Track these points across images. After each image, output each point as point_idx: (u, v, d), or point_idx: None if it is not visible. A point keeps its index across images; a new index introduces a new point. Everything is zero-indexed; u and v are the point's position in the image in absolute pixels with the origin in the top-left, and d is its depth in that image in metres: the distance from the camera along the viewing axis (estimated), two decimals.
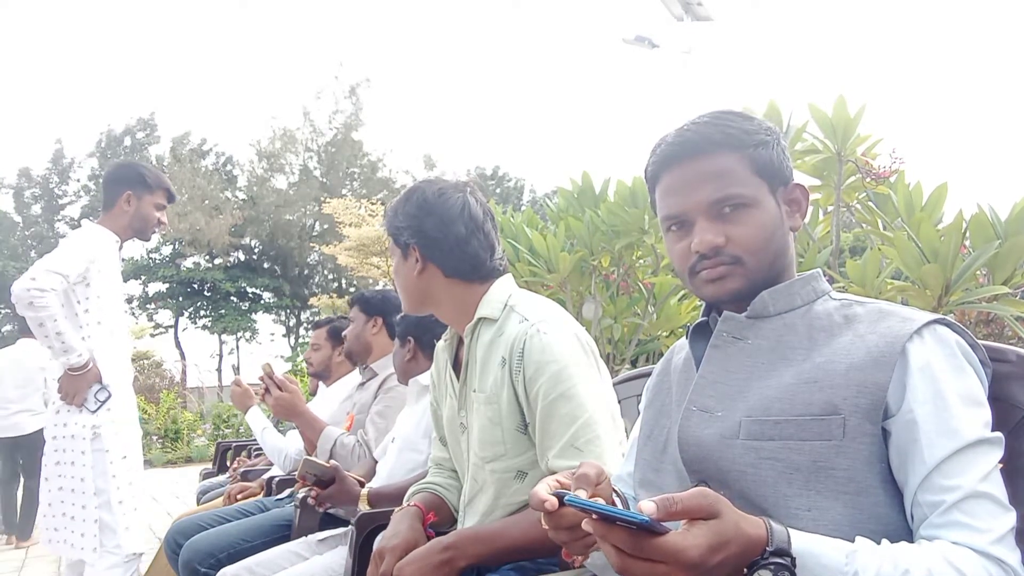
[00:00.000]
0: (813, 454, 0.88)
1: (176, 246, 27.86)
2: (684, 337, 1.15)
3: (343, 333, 2.90)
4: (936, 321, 0.92)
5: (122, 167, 2.92)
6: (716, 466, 0.95)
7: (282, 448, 3.05)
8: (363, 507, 1.87)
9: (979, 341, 0.95)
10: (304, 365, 3.33)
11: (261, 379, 2.54)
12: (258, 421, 3.11)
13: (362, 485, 2.00)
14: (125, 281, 3.05)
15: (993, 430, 0.87)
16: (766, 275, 1.02)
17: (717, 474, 0.95)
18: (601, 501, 0.78)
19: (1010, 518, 0.84)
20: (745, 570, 0.74)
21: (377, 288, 2.87)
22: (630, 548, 0.71)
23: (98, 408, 2.64)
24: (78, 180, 28.02)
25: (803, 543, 0.76)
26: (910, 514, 0.88)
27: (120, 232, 2.78)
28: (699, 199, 1.00)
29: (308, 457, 2.06)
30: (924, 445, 0.86)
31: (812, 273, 1.05)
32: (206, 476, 4.53)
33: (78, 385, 2.61)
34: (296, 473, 1.99)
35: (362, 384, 2.82)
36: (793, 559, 0.75)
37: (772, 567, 0.73)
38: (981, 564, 0.80)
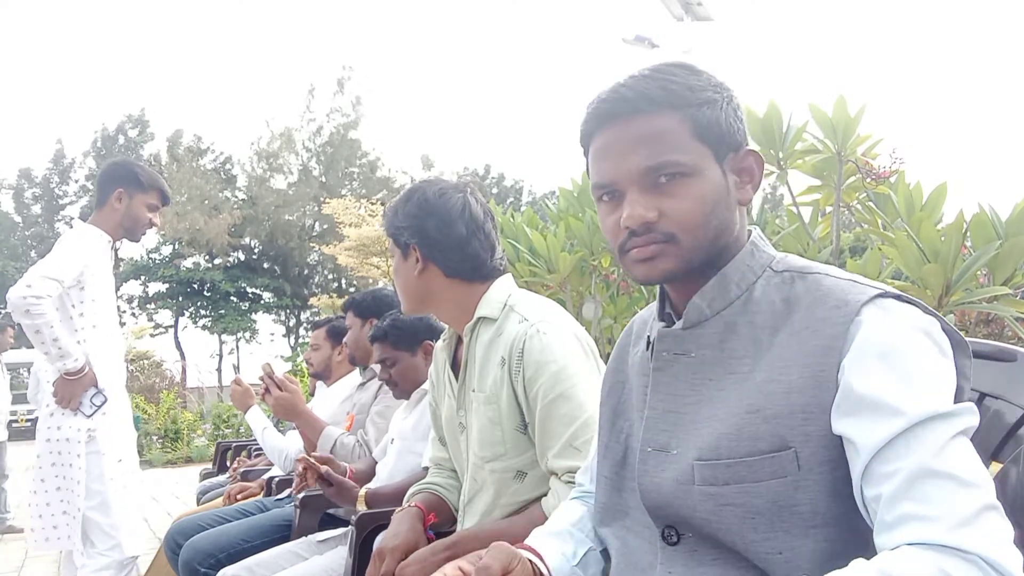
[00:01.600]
0: (771, 495, 0.81)
1: (176, 246, 27.86)
2: (641, 326, 1.04)
3: (344, 340, 2.88)
4: (878, 296, 0.82)
5: (117, 165, 2.90)
6: (678, 513, 0.88)
7: (282, 448, 3.05)
8: (361, 508, 1.87)
9: (972, 340, 0.89)
10: (304, 365, 3.32)
11: (261, 379, 2.54)
12: (258, 421, 3.11)
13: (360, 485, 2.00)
14: (125, 281, 3.06)
15: (993, 430, 0.85)
16: (705, 254, 0.89)
17: (681, 521, 0.88)
18: None
19: (977, 495, 0.69)
20: None
21: (368, 290, 2.85)
22: None
23: (94, 412, 2.64)
24: (77, 180, 28.06)
25: None
26: (872, 522, 0.75)
27: (112, 231, 2.76)
28: (631, 166, 0.88)
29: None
30: (859, 435, 0.75)
31: (746, 248, 0.92)
32: (206, 476, 4.53)
33: (74, 389, 2.60)
34: (295, 473, 1.99)
35: (362, 384, 2.82)
36: None
37: None
38: (933, 566, 0.65)
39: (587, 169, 0.96)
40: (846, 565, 0.70)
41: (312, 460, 1.95)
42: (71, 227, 2.82)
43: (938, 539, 0.66)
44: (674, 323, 0.94)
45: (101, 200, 2.79)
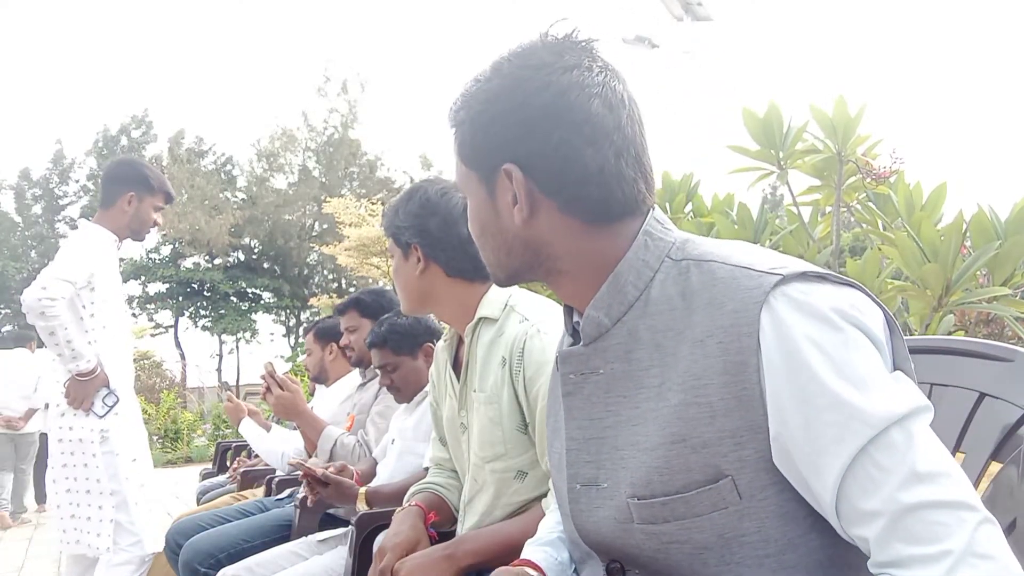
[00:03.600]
0: (715, 528, 0.75)
1: (176, 246, 27.86)
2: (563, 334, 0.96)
3: (342, 342, 2.87)
4: (778, 285, 0.73)
5: (124, 165, 2.90)
6: (622, 551, 0.83)
7: (278, 449, 3.06)
8: (361, 507, 1.87)
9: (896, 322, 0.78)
10: (304, 366, 3.32)
11: (263, 377, 2.54)
12: (251, 431, 3.16)
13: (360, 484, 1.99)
14: (125, 281, 3.05)
15: (993, 430, 0.83)
16: (507, 274, 0.91)
17: (627, 558, 0.83)
18: None
19: (960, 515, 0.64)
20: None
21: (371, 289, 2.84)
22: None
23: (106, 413, 2.64)
24: (78, 181, 28.05)
25: None
26: (863, 549, 0.70)
27: (118, 231, 2.77)
28: None
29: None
30: (812, 475, 0.70)
31: (638, 243, 0.83)
32: (206, 476, 4.53)
33: (86, 390, 2.61)
34: (299, 474, 1.99)
35: (362, 384, 2.82)
36: None
37: None
38: None
39: None
40: None
41: (305, 465, 1.95)
42: (73, 227, 2.86)
43: None
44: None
45: (108, 200, 2.78)
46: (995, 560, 0.63)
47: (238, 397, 3.71)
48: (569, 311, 0.92)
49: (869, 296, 0.76)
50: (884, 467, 0.66)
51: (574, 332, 0.90)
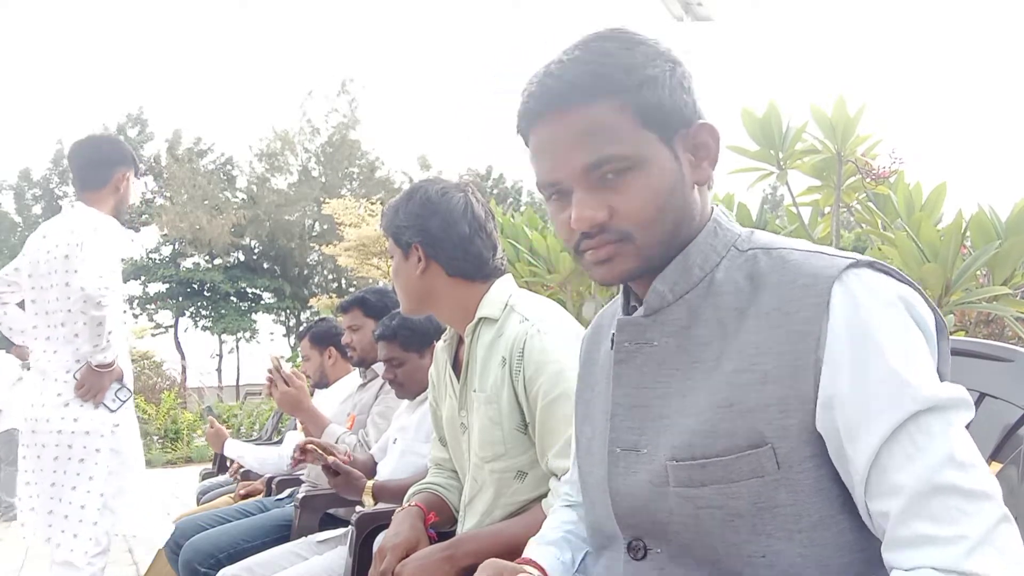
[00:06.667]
0: (751, 495, 0.75)
1: (176, 246, 27.88)
2: (610, 320, 0.97)
3: (344, 341, 2.87)
4: (850, 267, 0.76)
5: (113, 143, 2.82)
6: (652, 519, 0.82)
7: (271, 452, 3.07)
8: (367, 500, 1.87)
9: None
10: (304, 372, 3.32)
11: (269, 371, 2.54)
12: (237, 449, 3.18)
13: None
14: (125, 281, 3.00)
15: (993, 430, 0.84)
16: (666, 248, 0.83)
17: (654, 528, 0.82)
18: None
19: (986, 508, 0.66)
20: None
21: (375, 288, 2.83)
22: None
23: (119, 407, 2.57)
24: None
25: None
26: (878, 532, 0.73)
27: (113, 214, 2.68)
28: (573, 164, 0.81)
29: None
30: (851, 441, 0.71)
31: (708, 227, 0.85)
32: (206, 476, 4.53)
33: (103, 382, 2.52)
34: (300, 475, 1.99)
35: (363, 385, 2.82)
36: None
37: None
38: None
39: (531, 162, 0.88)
40: (827, 571, 0.69)
41: (317, 445, 1.95)
42: (56, 209, 2.74)
43: (955, 565, 0.65)
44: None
45: (100, 181, 2.67)
46: (1008, 555, 0.65)
47: (238, 397, 3.73)
48: (627, 286, 0.92)
49: (924, 298, 0.78)
50: (921, 445, 0.69)
51: (632, 309, 0.91)
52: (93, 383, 2.51)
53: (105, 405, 2.55)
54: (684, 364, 0.82)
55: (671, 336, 0.84)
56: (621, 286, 0.92)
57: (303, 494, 2.44)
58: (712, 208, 0.88)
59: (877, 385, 0.71)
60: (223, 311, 28.40)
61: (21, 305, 2.77)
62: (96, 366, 2.50)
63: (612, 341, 0.90)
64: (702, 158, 0.85)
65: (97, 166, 2.69)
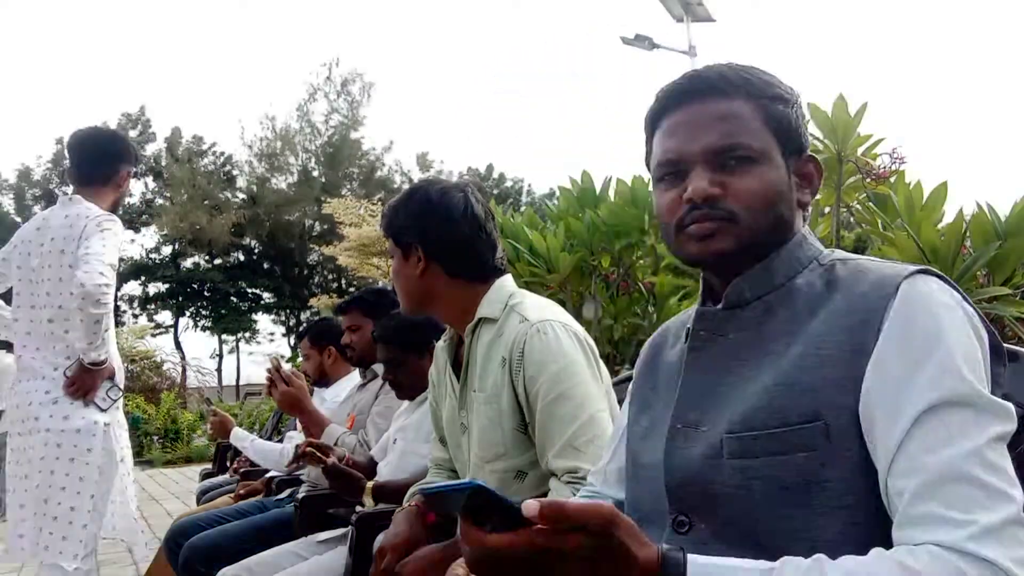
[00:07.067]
0: (799, 469, 0.78)
1: (176, 246, 27.89)
2: (679, 328, 1.03)
3: (344, 342, 2.87)
4: (918, 272, 0.81)
5: (118, 140, 2.76)
6: (703, 491, 0.85)
7: (274, 449, 3.06)
8: (367, 500, 1.87)
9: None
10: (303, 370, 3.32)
11: (269, 370, 2.54)
12: (242, 438, 3.16)
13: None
14: (125, 281, 2.98)
15: None
16: (762, 241, 0.89)
17: (702, 501, 0.85)
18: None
19: (1005, 508, 0.68)
20: None
21: (375, 288, 2.82)
22: (492, 553, 0.66)
23: (110, 406, 2.51)
24: None
25: (701, 571, 0.68)
26: (892, 513, 0.75)
27: (110, 209, 2.61)
28: (702, 143, 0.88)
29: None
30: (884, 417, 0.74)
31: (795, 239, 0.91)
32: (206, 476, 4.53)
33: (95, 380, 2.45)
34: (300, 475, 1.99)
35: (363, 385, 2.82)
36: None
37: None
38: (952, 566, 0.66)
39: (646, 155, 0.97)
40: (866, 549, 0.70)
41: (316, 447, 1.95)
42: (70, 200, 2.55)
43: (958, 545, 0.66)
44: None
45: (104, 177, 2.61)
46: (1013, 551, 0.66)
47: (238, 397, 3.73)
48: (706, 288, 0.97)
49: (984, 321, 0.82)
50: (953, 433, 0.71)
51: (707, 299, 0.97)
52: (85, 381, 2.44)
53: (96, 404, 2.47)
54: (754, 356, 0.87)
55: (745, 330, 0.89)
56: (701, 284, 0.98)
57: (303, 494, 2.44)
58: (802, 234, 0.94)
59: (925, 363, 0.74)
60: (223, 311, 28.40)
61: (7, 299, 2.67)
62: (89, 364, 2.41)
63: (686, 334, 0.97)
64: (805, 186, 0.94)
65: (101, 162, 2.63)
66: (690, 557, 0.69)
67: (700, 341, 0.93)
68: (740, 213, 0.87)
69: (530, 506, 0.63)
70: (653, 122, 0.96)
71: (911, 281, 0.80)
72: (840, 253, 0.91)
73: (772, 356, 0.85)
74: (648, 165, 0.97)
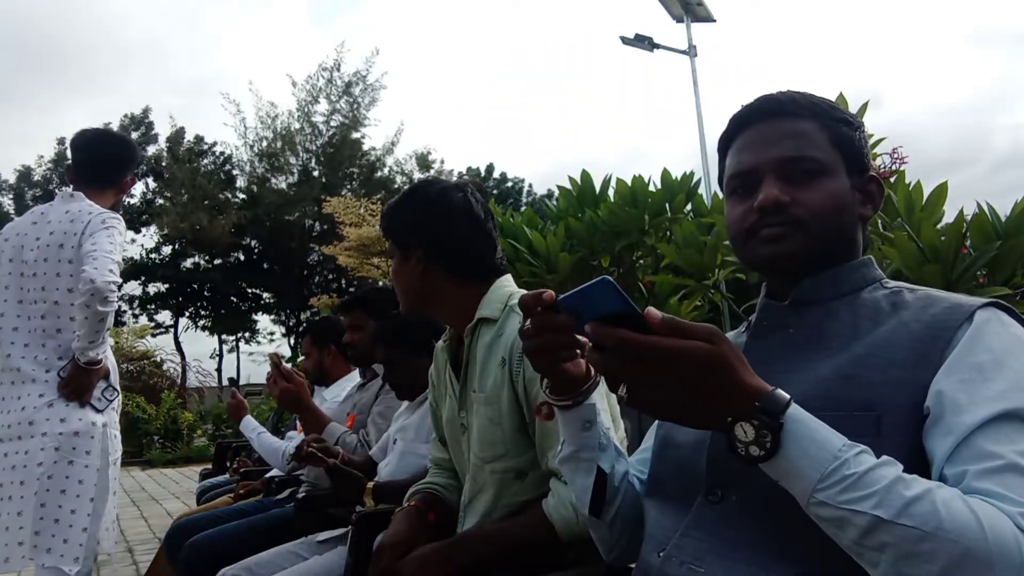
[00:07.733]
0: None
1: (176, 246, 27.88)
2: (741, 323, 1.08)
3: (346, 341, 2.87)
4: (990, 304, 0.85)
5: (127, 146, 2.74)
6: (744, 472, 0.83)
7: (278, 447, 3.06)
8: (367, 500, 1.87)
9: None
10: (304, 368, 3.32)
11: (269, 368, 2.54)
12: (251, 427, 3.16)
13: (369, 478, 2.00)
14: (125, 282, 2.98)
15: None
16: (828, 248, 0.95)
17: (742, 471, 0.83)
18: None
19: None
20: (729, 418, 0.72)
21: (377, 287, 2.83)
22: (623, 348, 0.71)
23: (106, 407, 2.47)
24: None
25: (802, 414, 0.72)
26: None
27: (112, 210, 2.58)
28: (774, 155, 0.96)
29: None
30: (951, 414, 0.77)
31: (863, 259, 0.99)
32: (206, 476, 4.54)
33: (91, 381, 2.40)
34: (300, 475, 1.99)
35: (363, 385, 2.82)
36: (781, 424, 0.71)
37: (756, 423, 0.71)
38: (1009, 524, 0.67)
39: (719, 174, 1.06)
40: None
41: (316, 448, 1.95)
42: (72, 196, 2.53)
43: (1015, 517, 0.68)
44: None
45: (109, 180, 2.60)
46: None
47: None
48: (769, 295, 1.03)
49: None
50: (1016, 438, 0.74)
51: (770, 293, 1.02)
52: (81, 382, 2.38)
53: (92, 405, 2.42)
54: (813, 351, 0.92)
55: (807, 328, 0.95)
56: (763, 289, 1.04)
57: (303, 494, 2.44)
58: (869, 257, 1.01)
59: (997, 379, 0.78)
60: (223, 311, 28.40)
61: None
62: (84, 363, 2.36)
63: (747, 325, 1.04)
64: (867, 202, 1.01)
65: (108, 166, 2.62)
66: (796, 404, 0.73)
67: (761, 330, 1.00)
68: (809, 221, 0.94)
69: (652, 314, 0.71)
70: (727, 142, 1.04)
71: (987, 309, 0.85)
72: (905, 284, 0.97)
73: (830, 352, 0.90)
74: (721, 183, 1.06)
